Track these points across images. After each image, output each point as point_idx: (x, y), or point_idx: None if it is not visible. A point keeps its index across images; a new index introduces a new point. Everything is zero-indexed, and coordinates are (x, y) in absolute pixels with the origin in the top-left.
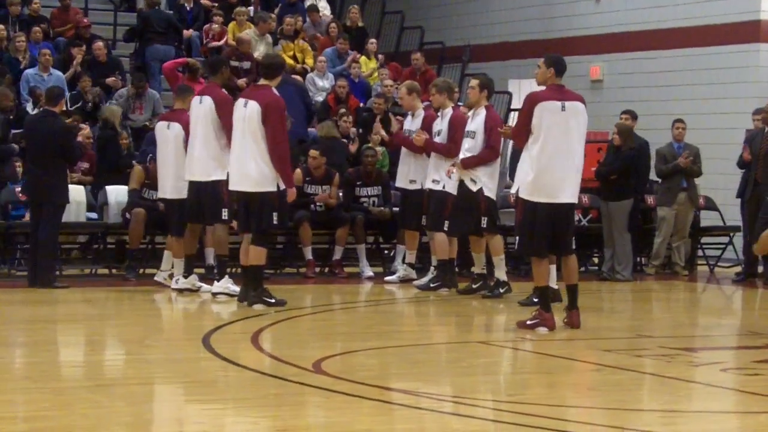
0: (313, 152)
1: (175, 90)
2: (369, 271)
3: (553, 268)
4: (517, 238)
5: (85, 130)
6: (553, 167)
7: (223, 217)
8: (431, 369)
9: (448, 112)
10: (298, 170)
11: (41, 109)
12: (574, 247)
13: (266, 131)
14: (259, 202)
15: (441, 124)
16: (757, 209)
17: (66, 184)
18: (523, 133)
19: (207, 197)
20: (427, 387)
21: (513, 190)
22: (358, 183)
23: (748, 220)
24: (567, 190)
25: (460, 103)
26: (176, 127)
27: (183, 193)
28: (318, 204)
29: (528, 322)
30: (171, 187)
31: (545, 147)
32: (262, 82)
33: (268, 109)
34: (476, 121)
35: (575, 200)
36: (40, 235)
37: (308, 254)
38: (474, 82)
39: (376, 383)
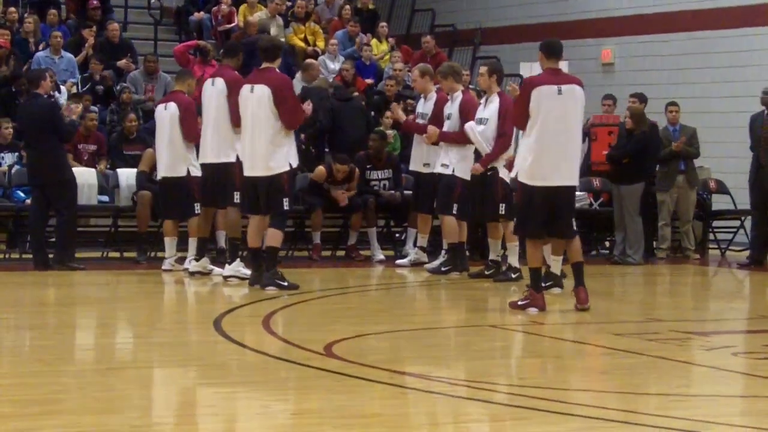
0: (339, 167)
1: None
2: (380, 255)
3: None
4: (515, 220)
5: (88, 113)
6: (550, 151)
7: (235, 200)
8: (442, 353)
9: (458, 95)
10: (321, 168)
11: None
12: (575, 228)
13: (280, 111)
14: (273, 186)
15: (451, 108)
16: (763, 193)
17: (65, 161)
18: (523, 118)
19: (219, 180)
20: (439, 371)
21: (512, 174)
22: (368, 166)
23: (753, 203)
24: (564, 173)
25: (471, 86)
26: (172, 107)
27: (177, 172)
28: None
29: (519, 303)
30: (165, 166)
31: (543, 131)
32: (264, 65)
33: (279, 89)
34: (490, 109)
35: (574, 183)
36: (57, 217)
37: (316, 238)
38: (483, 69)
39: (387, 367)
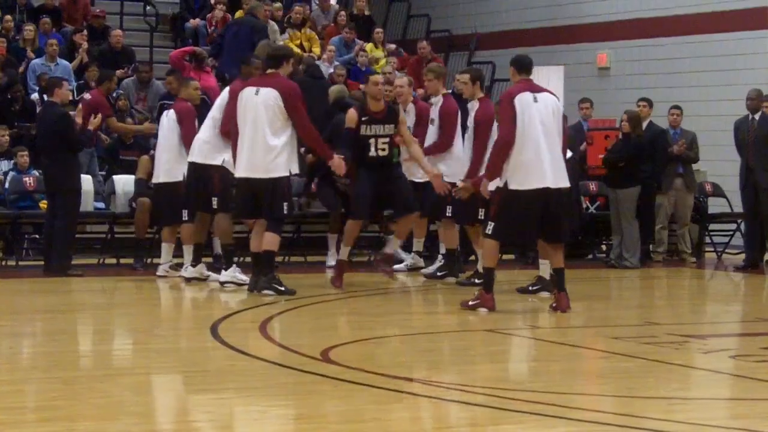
0: (376, 77)
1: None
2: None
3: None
4: (493, 224)
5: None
6: (536, 155)
7: (213, 206)
8: (440, 357)
9: (439, 99)
10: (353, 110)
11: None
12: (567, 236)
13: (291, 117)
14: (271, 189)
15: (433, 113)
16: (755, 196)
17: (73, 171)
18: (513, 127)
19: (203, 183)
20: (436, 375)
21: (501, 183)
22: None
23: (746, 206)
24: (552, 176)
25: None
26: (171, 113)
27: (173, 176)
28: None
29: (470, 303)
30: (161, 170)
31: (527, 137)
32: (270, 71)
33: (287, 94)
34: (470, 116)
35: (565, 185)
36: (56, 223)
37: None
38: (465, 77)
39: (384, 372)
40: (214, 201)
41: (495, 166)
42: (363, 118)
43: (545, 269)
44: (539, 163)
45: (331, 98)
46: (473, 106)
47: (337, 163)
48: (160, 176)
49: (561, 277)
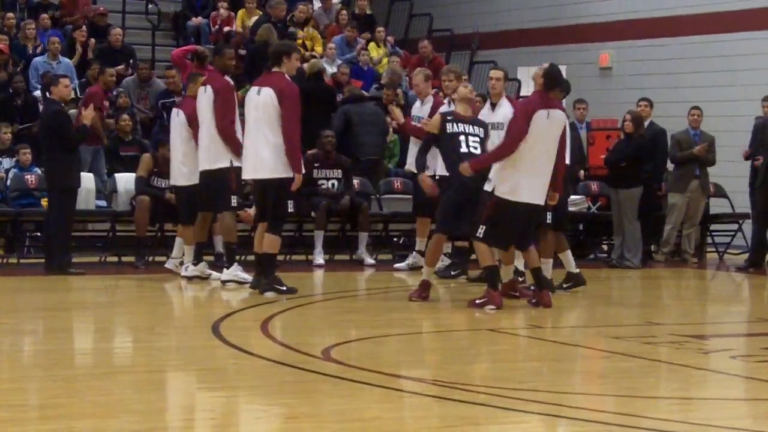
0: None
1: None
2: (320, 260)
3: (568, 253)
4: (483, 228)
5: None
6: (534, 171)
7: (233, 204)
8: (441, 356)
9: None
10: (437, 116)
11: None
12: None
13: (282, 116)
14: (275, 189)
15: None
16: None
17: (71, 169)
18: (519, 142)
19: (215, 185)
20: (437, 374)
21: (489, 188)
22: (315, 165)
23: (758, 207)
24: (541, 193)
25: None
26: (182, 114)
27: (190, 180)
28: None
29: (477, 302)
30: (177, 173)
31: (530, 151)
32: (274, 69)
33: (282, 94)
34: (500, 113)
35: (541, 202)
36: (52, 221)
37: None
38: (500, 73)
39: (385, 371)
40: (234, 199)
41: (484, 164)
42: (448, 117)
43: (569, 265)
44: (530, 180)
45: (307, 71)
46: (501, 104)
47: (298, 180)
48: (178, 179)
49: (538, 276)
